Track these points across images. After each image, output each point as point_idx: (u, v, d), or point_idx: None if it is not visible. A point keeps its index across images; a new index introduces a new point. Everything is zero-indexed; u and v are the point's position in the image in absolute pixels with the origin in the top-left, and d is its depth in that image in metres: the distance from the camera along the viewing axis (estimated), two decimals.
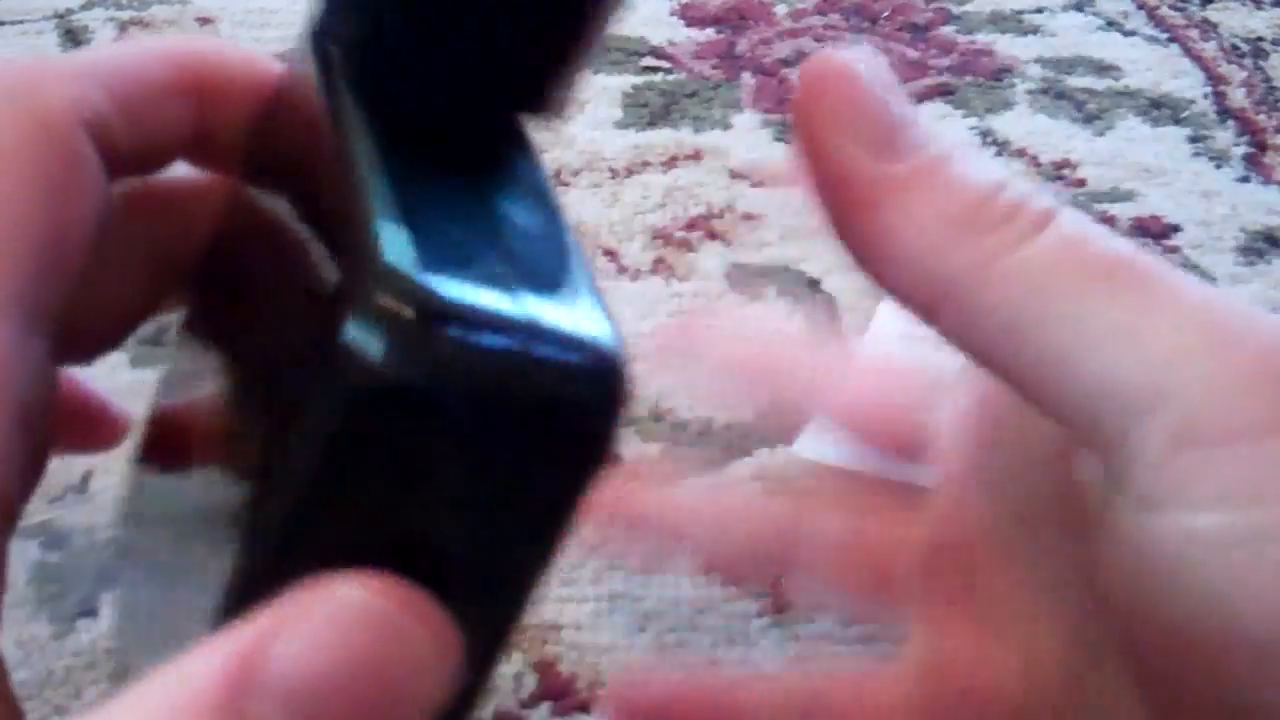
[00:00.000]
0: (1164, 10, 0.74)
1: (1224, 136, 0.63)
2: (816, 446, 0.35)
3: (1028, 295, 0.19)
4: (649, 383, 0.45)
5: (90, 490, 0.42)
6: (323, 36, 0.21)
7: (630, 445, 0.43)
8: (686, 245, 0.54)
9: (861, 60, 0.21)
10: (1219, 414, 0.17)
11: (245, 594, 0.17)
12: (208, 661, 0.14)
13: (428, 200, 0.20)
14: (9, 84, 0.19)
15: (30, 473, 0.19)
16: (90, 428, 0.25)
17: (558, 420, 0.18)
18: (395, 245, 0.18)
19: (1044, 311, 0.19)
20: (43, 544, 0.40)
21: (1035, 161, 0.61)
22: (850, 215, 0.21)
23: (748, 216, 0.56)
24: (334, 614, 0.14)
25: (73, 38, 0.70)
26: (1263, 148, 0.62)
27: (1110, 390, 0.18)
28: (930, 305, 0.20)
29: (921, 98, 0.66)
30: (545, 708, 0.35)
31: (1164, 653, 0.18)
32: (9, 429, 0.18)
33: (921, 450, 0.27)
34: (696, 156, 0.61)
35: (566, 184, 0.58)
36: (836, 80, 0.21)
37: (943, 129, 0.63)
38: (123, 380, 0.46)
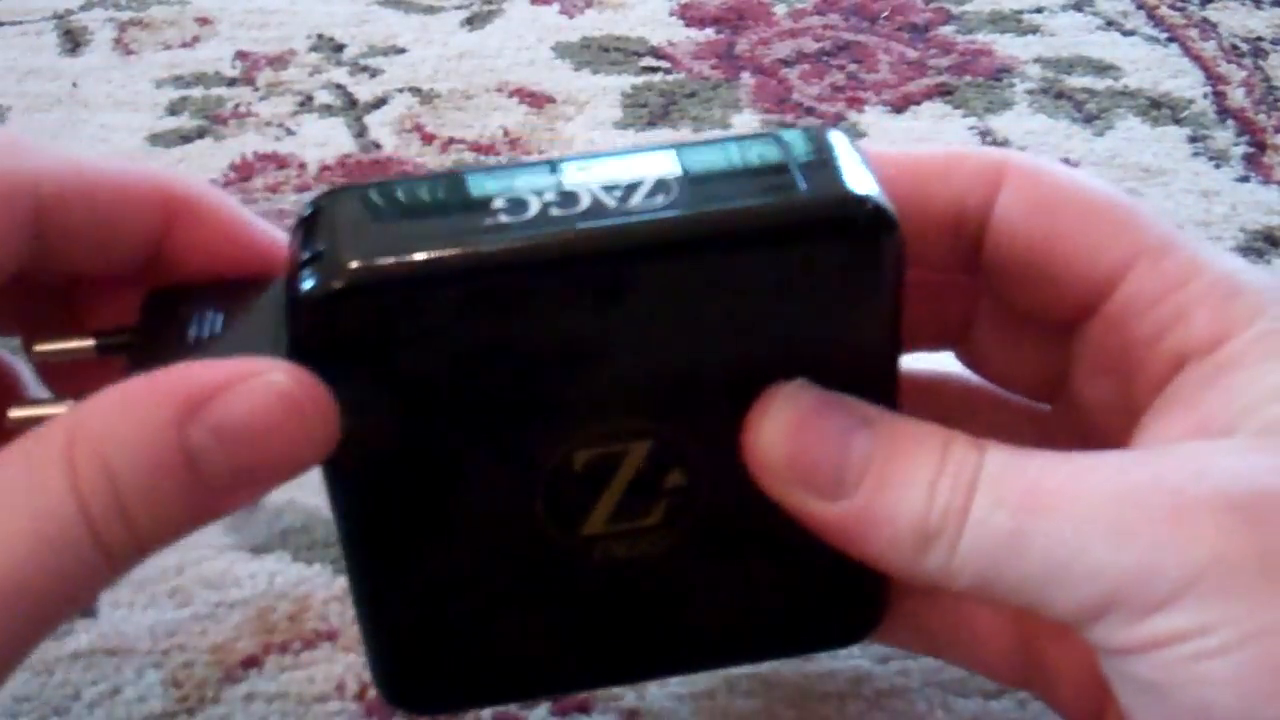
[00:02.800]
0: (1163, 10, 0.74)
1: (1223, 136, 0.63)
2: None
3: (981, 575, 0.23)
4: None
5: None
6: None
7: None
8: None
9: (794, 405, 0.24)
10: (1152, 584, 0.21)
11: None
12: (168, 388, 0.20)
13: None
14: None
15: None
16: None
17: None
18: None
19: (1000, 580, 0.23)
20: None
21: None
22: (836, 544, 0.25)
23: None
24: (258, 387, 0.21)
25: (72, 38, 0.70)
26: (1262, 147, 0.62)
27: (1075, 617, 0.23)
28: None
29: (921, 98, 0.66)
30: (545, 707, 0.35)
31: None
32: None
33: None
34: None
35: None
36: (775, 443, 0.24)
37: (942, 129, 0.63)
38: None
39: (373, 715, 0.35)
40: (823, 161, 0.24)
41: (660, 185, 0.23)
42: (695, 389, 0.25)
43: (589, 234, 0.23)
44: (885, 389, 0.25)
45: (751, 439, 0.24)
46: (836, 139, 0.24)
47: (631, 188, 0.23)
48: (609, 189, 0.23)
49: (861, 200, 0.23)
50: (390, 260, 0.23)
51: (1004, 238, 0.26)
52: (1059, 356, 0.28)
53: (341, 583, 0.38)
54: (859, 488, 0.23)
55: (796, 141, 0.24)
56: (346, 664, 0.36)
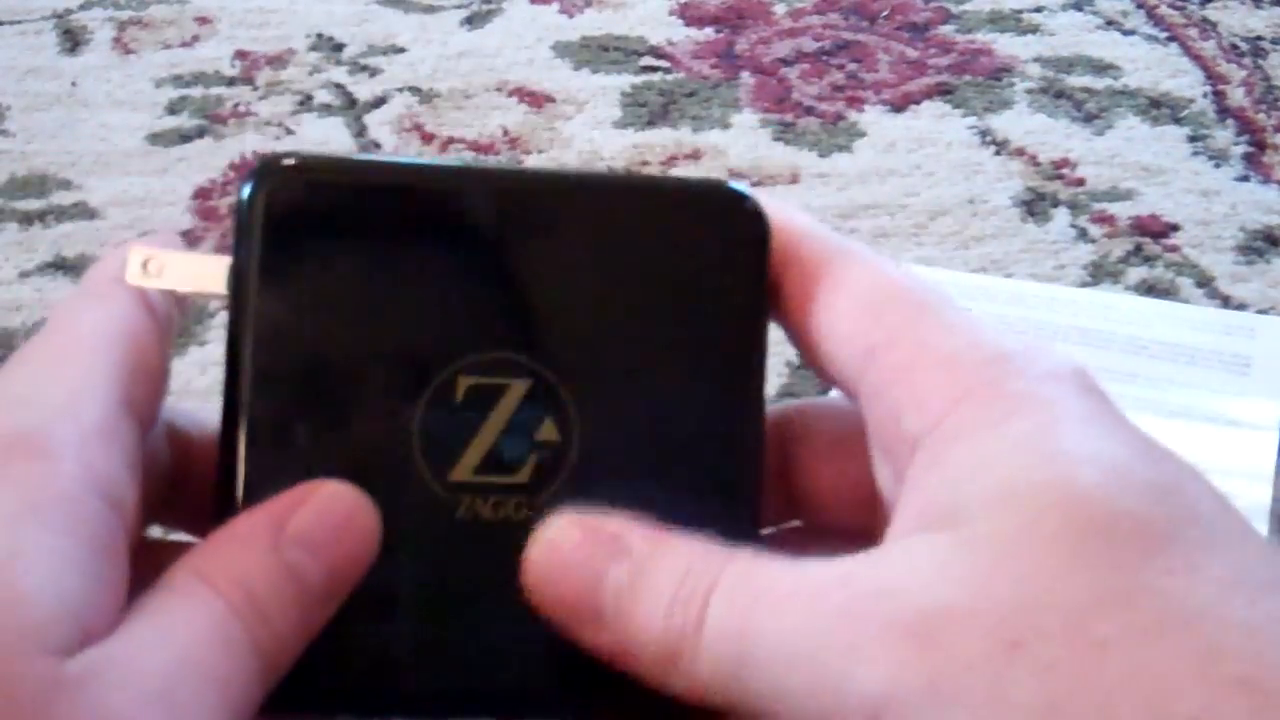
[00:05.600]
0: (1163, 9, 0.74)
1: (1223, 135, 0.63)
2: None
3: (722, 684, 0.23)
4: None
5: None
6: None
7: None
8: None
9: (556, 543, 0.25)
10: (832, 700, 0.21)
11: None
12: (253, 521, 0.24)
13: None
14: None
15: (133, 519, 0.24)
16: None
17: None
18: None
19: (740, 701, 0.23)
20: None
21: (1034, 161, 0.61)
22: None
23: None
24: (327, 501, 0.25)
25: (72, 37, 0.70)
26: (1262, 147, 0.62)
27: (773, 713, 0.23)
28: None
29: (920, 97, 0.66)
30: None
31: None
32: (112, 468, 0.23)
33: None
34: (696, 156, 0.61)
35: None
36: (543, 581, 0.25)
37: (942, 129, 0.63)
38: None
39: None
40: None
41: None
42: (574, 339, 0.27)
43: (493, 170, 0.27)
44: (746, 379, 0.27)
45: (527, 576, 0.25)
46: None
47: None
48: None
49: (740, 194, 0.27)
50: (316, 162, 0.27)
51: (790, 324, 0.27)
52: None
53: None
54: (615, 619, 0.24)
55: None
56: None
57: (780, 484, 0.27)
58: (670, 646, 0.23)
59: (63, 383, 0.23)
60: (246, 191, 0.26)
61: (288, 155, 0.26)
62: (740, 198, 0.27)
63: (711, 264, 0.27)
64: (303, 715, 0.26)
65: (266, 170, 0.26)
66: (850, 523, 0.26)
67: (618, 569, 0.24)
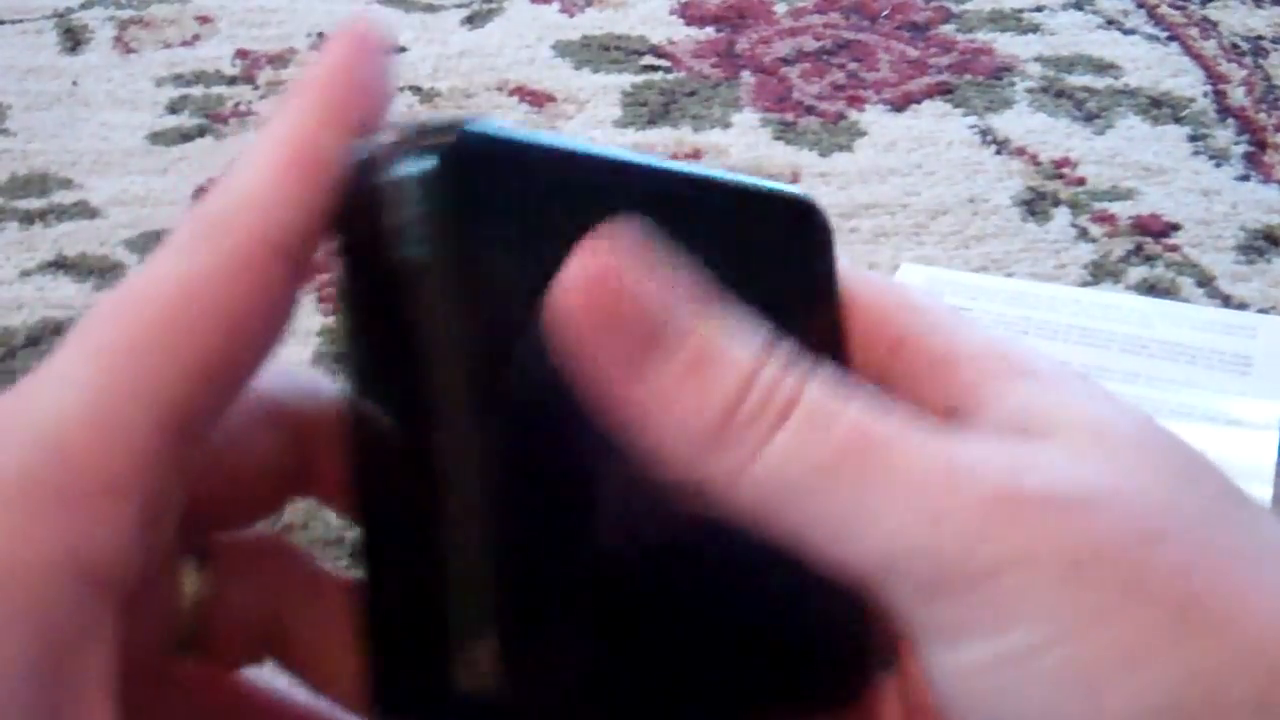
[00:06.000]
0: (1164, 9, 0.74)
1: (1224, 135, 0.63)
2: None
3: (772, 497, 0.20)
4: None
5: None
6: None
7: None
8: None
9: (621, 250, 0.20)
10: (953, 563, 0.20)
11: None
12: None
13: None
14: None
15: (152, 556, 0.20)
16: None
17: None
18: None
19: (790, 509, 0.20)
20: None
21: (1035, 160, 0.61)
22: (625, 421, 0.21)
23: None
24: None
25: (72, 36, 0.70)
26: (1262, 146, 0.62)
27: (861, 569, 0.20)
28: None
29: (921, 96, 0.66)
30: None
31: None
32: (135, 514, 0.19)
33: None
34: (696, 155, 0.61)
35: None
36: (594, 292, 0.20)
37: (942, 128, 0.63)
38: None
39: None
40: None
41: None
42: None
43: (652, 165, 0.25)
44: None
45: (560, 279, 0.20)
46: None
47: None
48: None
49: (814, 206, 0.28)
50: (495, 131, 0.21)
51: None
52: None
53: None
54: (679, 352, 0.20)
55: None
56: None
57: None
58: (733, 425, 0.20)
59: (98, 413, 0.19)
60: (413, 171, 0.20)
61: (453, 123, 0.21)
62: (814, 209, 0.27)
63: (799, 270, 0.28)
64: None
65: (451, 145, 0.20)
66: None
67: (685, 300, 0.20)
